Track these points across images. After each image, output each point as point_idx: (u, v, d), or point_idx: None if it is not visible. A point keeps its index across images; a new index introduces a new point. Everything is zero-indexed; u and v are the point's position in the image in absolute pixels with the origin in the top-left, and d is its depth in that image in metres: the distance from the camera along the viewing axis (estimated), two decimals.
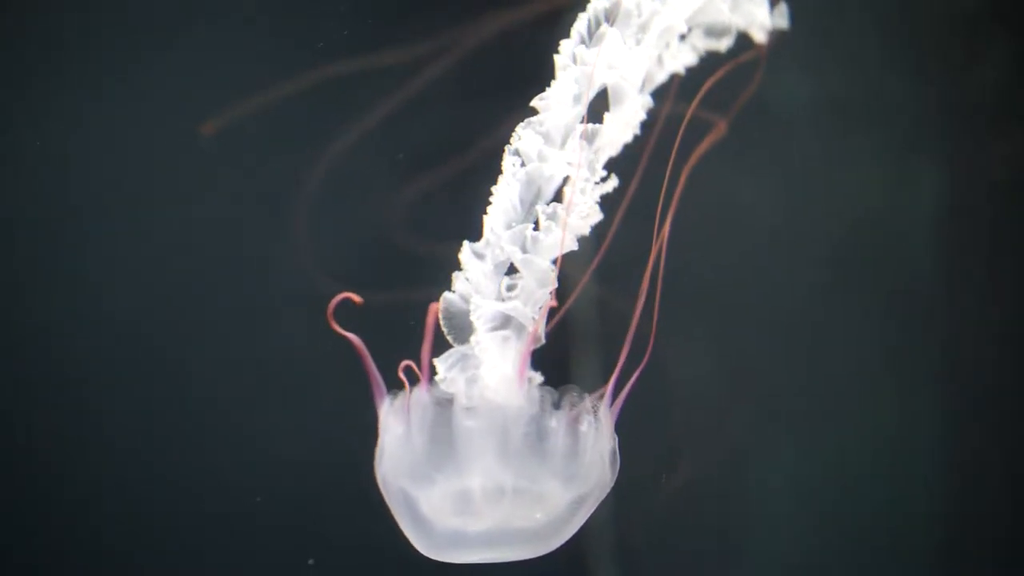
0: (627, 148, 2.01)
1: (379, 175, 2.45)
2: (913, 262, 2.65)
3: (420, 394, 1.76)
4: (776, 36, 2.17)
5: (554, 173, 1.85)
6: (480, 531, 1.74)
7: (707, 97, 2.10)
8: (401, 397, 1.79)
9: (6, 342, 2.42)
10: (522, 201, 1.85)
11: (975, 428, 2.64)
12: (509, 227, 1.84)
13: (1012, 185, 2.61)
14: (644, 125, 1.99)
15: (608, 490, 1.81)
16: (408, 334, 1.84)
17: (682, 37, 2.03)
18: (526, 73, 2.00)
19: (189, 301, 2.44)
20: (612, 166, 2.02)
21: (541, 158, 1.85)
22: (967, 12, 2.58)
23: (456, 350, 1.81)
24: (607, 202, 1.98)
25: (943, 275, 2.64)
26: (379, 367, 1.80)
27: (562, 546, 1.86)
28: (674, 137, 2.02)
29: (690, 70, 2.10)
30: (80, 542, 2.47)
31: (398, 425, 1.75)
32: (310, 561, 2.48)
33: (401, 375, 1.77)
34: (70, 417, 2.44)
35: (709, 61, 2.11)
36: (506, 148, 1.87)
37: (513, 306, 1.80)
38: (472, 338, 1.80)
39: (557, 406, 1.78)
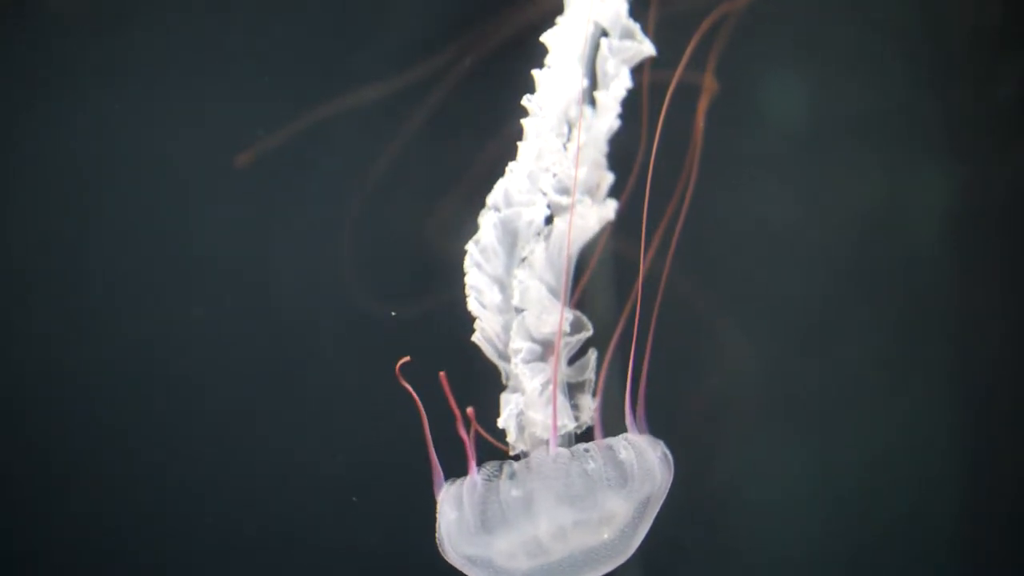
0: (630, 159, 2.02)
1: (412, 186, 2.46)
2: (928, 264, 2.66)
3: (470, 479, 1.81)
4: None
5: (534, 218, 1.88)
6: (555, 562, 1.79)
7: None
8: (454, 483, 1.84)
9: (58, 352, 2.43)
10: (501, 243, 1.88)
11: (990, 430, 2.65)
12: (493, 275, 1.87)
13: None
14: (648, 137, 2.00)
15: (667, 487, 1.85)
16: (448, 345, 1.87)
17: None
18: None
19: (229, 316, 2.45)
20: (618, 179, 2.04)
21: (517, 204, 1.88)
22: (987, 24, 2.59)
23: (505, 397, 1.86)
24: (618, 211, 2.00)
25: (957, 280, 2.65)
26: (423, 377, 1.82)
27: None
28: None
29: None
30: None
31: (452, 510, 1.81)
32: None
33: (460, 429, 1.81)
34: (87, 424, 2.45)
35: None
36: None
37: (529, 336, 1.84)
38: (509, 374, 1.86)
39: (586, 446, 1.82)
